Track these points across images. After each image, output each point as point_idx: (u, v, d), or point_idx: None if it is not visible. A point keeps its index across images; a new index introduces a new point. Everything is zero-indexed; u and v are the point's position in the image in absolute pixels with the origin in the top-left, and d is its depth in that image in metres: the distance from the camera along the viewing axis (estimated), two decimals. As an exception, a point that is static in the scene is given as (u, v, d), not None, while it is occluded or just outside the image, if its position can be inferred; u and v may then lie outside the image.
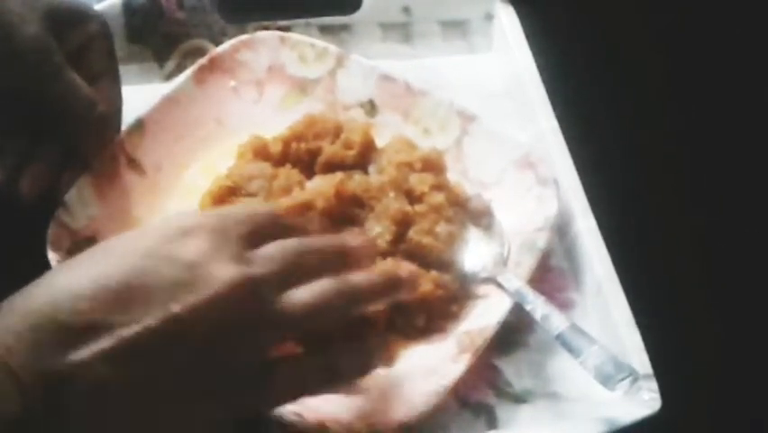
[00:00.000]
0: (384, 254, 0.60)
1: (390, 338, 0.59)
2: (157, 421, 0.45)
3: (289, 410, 0.53)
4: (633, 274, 0.62)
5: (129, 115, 0.66)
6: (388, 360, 0.56)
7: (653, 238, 0.69)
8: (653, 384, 0.56)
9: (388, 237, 0.61)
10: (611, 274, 0.62)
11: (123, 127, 0.66)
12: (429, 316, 0.60)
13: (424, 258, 0.61)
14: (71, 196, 0.62)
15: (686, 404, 0.59)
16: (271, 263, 0.48)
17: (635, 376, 0.56)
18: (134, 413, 0.44)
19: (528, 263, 0.61)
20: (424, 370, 0.57)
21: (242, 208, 0.56)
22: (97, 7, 0.73)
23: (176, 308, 0.44)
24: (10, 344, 0.42)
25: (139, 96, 0.68)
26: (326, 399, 0.55)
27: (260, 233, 0.50)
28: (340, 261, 0.52)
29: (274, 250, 0.49)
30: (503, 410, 0.59)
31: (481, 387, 0.59)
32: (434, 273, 0.61)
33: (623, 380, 0.56)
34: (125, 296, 0.44)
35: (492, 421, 0.58)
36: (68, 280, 0.45)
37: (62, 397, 0.42)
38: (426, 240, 0.61)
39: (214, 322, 0.45)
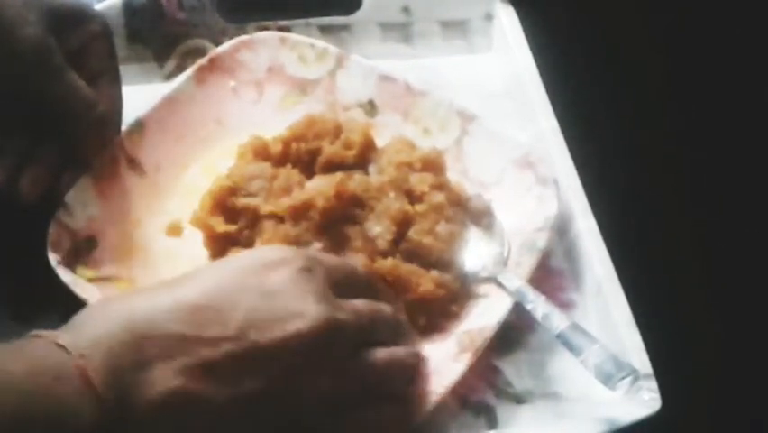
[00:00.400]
0: (384, 254, 0.60)
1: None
2: None
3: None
4: (633, 274, 0.62)
5: (129, 115, 0.66)
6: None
7: (653, 238, 0.69)
8: (653, 384, 0.56)
9: (388, 237, 0.61)
10: (611, 274, 0.62)
11: (124, 127, 0.66)
12: (429, 315, 0.60)
13: (424, 258, 0.61)
14: (71, 196, 0.62)
15: (686, 404, 0.59)
16: (357, 315, 0.49)
17: (635, 375, 0.56)
18: (198, 427, 0.44)
19: (528, 263, 0.61)
20: (424, 369, 0.57)
21: (332, 257, 0.56)
22: (97, 7, 0.73)
23: (255, 335, 0.45)
24: (86, 350, 0.42)
25: (139, 96, 0.68)
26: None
27: (345, 284, 0.51)
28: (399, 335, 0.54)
29: (360, 304, 0.51)
30: (503, 410, 0.59)
31: (482, 387, 0.59)
32: (434, 273, 0.61)
33: (623, 379, 0.55)
34: (200, 315, 0.45)
35: (492, 421, 0.58)
36: (148, 295, 0.46)
37: (133, 406, 0.42)
38: (427, 240, 0.61)
39: (296, 355, 0.46)
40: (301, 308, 0.47)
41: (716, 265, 0.69)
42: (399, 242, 0.61)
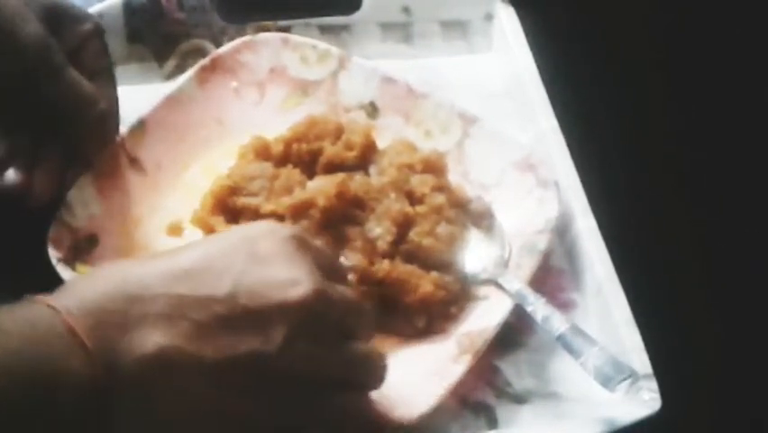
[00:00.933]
0: (384, 255, 0.60)
1: (390, 339, 0.60)
2: (208, 405, 0.45)
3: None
4: (633, 274, 0.62)
5: (129, 115, 0.66)
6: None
7: (653, 238, 0.69)
8: (653, 384, 0.56)
9: (388, 238, 0.61)
10: (611, 274, 0.62)
11: (125, 126, 0.66)
12: (430, 317, 0.60)
13: (424, 259, 0.61)
14: (72, 194, 0.62)
15: (686, 404, 0.59)
16: (343, 298, 0.49)
17: (634, 377, 0.56)
18: (188, 388, 0.44)
19: (529, 265, 0.61)
20: (424, 371, 0.57)
21: (319, 242, 0.55)
22: (97, 7, 0.73)
23: (246, 299, 0.45)
24: (76, 309, 0.42)
25: (139, 95, 0.68)
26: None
27: (329, 270, 0.50)
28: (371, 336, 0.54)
29: (346, 290, 0.51)
30: (503, 411, 0.59)
31: (482, 387, 0.60)
32: (434, 275, 0.61)
33: (623, 381, 0.56)
34: (192, 278, 0.45)
35: (492, 421, 0.58)
36: (141, 262, 0.48)
37: (122, 363, 0.42)
38: (427, 241, 0.61)
39: (287, 322, 0.46)
40: (294, 276, 0.47)
41: (716, 265, 0.69)
42: (400, 243, 0.61)
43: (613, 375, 0.56)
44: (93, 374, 0.41)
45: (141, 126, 0.67)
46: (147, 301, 0.44)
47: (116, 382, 0.42)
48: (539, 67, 0.74)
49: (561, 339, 0.58)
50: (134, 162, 0.66)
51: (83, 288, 0.44)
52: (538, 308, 0.59)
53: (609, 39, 0.78)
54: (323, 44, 0.73)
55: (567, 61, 0.76)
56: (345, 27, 0.79)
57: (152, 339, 0.43)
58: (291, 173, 0.64)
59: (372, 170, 0.65)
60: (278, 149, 0.66)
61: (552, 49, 0.75)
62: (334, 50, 0.73)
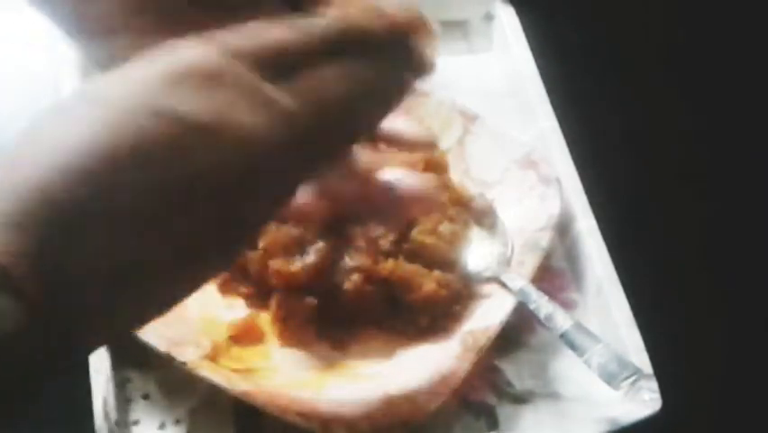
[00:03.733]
0: (387, 254, 0.60)
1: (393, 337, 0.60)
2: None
3: (294, 411, 0.53)
4: (633, 274, 0.62)
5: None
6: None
7: (653, 238, 0.69)
8: (654, 384, 0.57)
9: (391, 238, 0.61)
10: (611, 274, 0.62)
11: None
12: (432, 315, 0.60)
13: (427, 258, 0.61)
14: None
15: (686, 404, 0.59)
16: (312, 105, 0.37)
17: (639, 375, 0.56)
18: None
19: (531, 262, 0.61)
20: (428, 370, 0.57)
21: (250, 32, 0.38)
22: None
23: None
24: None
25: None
26: (330, 399, 0.55)
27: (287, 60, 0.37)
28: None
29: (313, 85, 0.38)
30: (504, 411, 0.59)
31: (482, 387, 0.60)
32: (437, 273, 0.61)
33: (627, 378, 0.56)
34: (121, 164, 0.35)
35: (493, 422, 0.58)
36: (52, 153, 0.36)
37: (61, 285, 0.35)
38: (429, 240, 0.61)
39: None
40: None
41: (716, 265, 0.69)
42: (402, 242, 0.61)
43: (617, 373, 0.56)
44: (31, 318, 0.34)
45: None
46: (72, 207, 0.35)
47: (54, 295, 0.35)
48: (539, 67, 0.74)
49: (564, 337, 0.58)
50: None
51: None
52: (541, 305, 0.59)
53: (609, 38, 0.79)
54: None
55: (567, 61, 0.76)
56: (345, 27, 0.79)
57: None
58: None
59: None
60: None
61: (552, 49, 0.75)
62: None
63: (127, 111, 0.35)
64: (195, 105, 0.35)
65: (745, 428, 0.63)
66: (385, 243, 0.61)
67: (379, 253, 0.60)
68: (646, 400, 0.56)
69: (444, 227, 0.62)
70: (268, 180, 0.37)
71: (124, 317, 0.38)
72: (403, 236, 0.61)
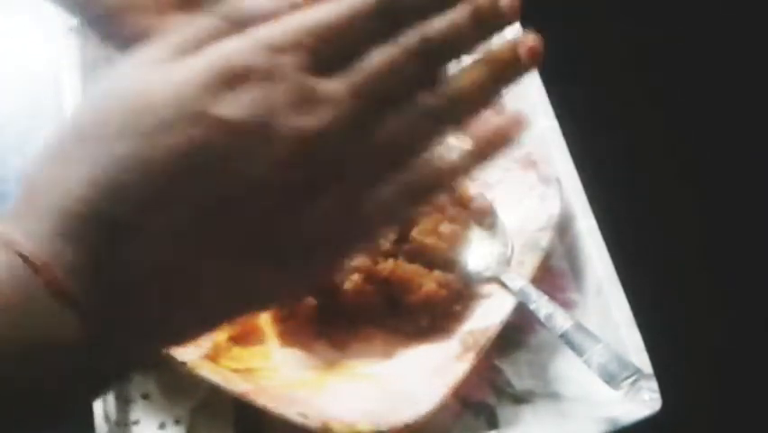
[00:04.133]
0: (387, 255, 0.60)
1: (393, 337, 0.60)
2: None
3: (294, 411, 0.53)
4: (633, 274, 0.62)
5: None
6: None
7: (653, 238, 0.69)
8: (654, 384, 0.57)
9: (391, 237, 0.61)
10: (611, 274, 0.62)
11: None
12: (433, 316, 0.60)
13: (427, 258, 0.61)
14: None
15: (686, 404, 0.59)
16: (352, 101, 0.35)
17: (639, 375, 0.56)
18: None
19: (531, 262, 0.61)
20: (428, 370, 0.57)
21: (287, 24, 0.36)
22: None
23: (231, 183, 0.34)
24: (46, 251, 0.34)
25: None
26: (330, 399, 0.55)
27: (325, 52, 0.35)
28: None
29: (354, 80, 0.35)
30: (504, 411, 0.59)
31: (482, 387, 0.60)
32: (437, 273, 0.61)
33: (627, 378, 0.56)
34: (166, 174, 0.34)
35: (493, 421, 0.58)
36: (96, 167, 0.34)
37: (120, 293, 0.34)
38: (430, 240, 0.61)
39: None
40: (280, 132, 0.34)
41: (716, 265, 0.69)
42: (402, 242, 0.61)
43: (617, 373, 0.56)
44: (90, 334, 0.34)
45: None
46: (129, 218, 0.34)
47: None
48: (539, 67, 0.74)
49: (564, 337, 0.58)
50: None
51: (40, 224, 0.34)
52: (541, 305, 0.59)
53: (609, 38, 0.78)
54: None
55: (567, 61, 0.75)
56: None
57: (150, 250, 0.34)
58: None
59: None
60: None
61: (551, 48, 0.75)
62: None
63: (172, 119, 0.33)
64: (241, 108, 0.33)
65: (745, 428, 0.63)
66: (385, 243, 0.61)
67: (379, 253, 0.60)
68: (646, 400, 0.56)
69: (444, 227, 0.62)
70: (325, 172, 0.35)
71: (180, 330, 0.37)
72: (403, 236, 0.61)
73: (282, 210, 0.35)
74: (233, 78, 0.34)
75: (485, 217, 0.65)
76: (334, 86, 0.35)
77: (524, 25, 0.78)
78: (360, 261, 0.59)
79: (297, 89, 0.34)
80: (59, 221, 0.34)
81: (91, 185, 0.33)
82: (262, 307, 0.39)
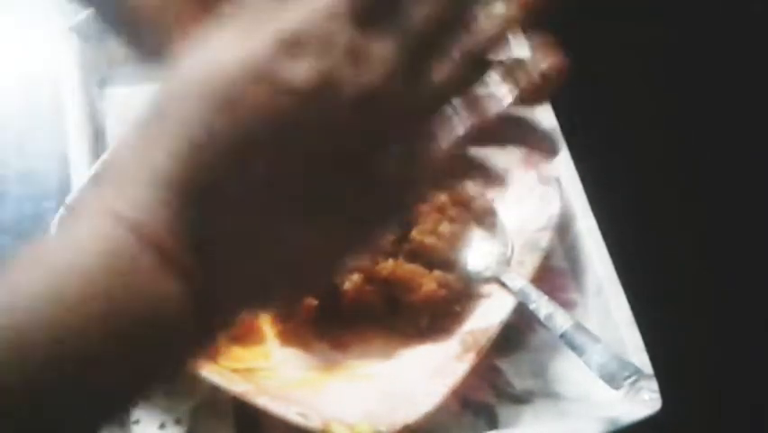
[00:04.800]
0: (387, 254, 0.60)
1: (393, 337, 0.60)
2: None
3: (294, 411, 0.53)
4: (633, 274, 0.62)
5: (130, 116, 0.66)
6: None
7: (653, 238, 0.69)
8: (654, 384, 0.57)
9: (391, 237, 0.61)
10: (611, 274, 0.62)
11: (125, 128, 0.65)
12: (433, 316, 0.60)
13: (427, 258, 0.61)
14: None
15: (686, 404, 0.59)
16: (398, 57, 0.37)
17: (639, 375, 0.56)
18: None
19: (531, 262, 0.61)
20: (428, 370, 0.57)
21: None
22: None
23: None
24: (149, 220, 0.34)
25: (139, 96, 0.68)
26: (330, 399, 0.55)
27: (373, 10, 0.37)
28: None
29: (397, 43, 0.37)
30: (504, 411, 0.59)
31: (482, 387, 0.60)
32: (437, 273, 0.61)
33: (627, 378, 0.56)
34: (251, 138, 0.35)
35: (493, 421, 0.58)
36: (179, 140, 0.35)
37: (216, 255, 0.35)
38: (430, 240, 0.61)
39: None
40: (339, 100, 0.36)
41: (716, 265, 0.69)
42: (402, 242, 0.61)
43: (617, 373, 0.56)
44: (198, 303, 0.35)
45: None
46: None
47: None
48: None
49: (564, 337, 0.58)
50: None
51: (137, 190, 0.35)
52: (541, 305, 0.59)
53: (608, 38, 0.78)
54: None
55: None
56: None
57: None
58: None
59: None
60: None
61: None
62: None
63: (243, 87, 0.35)
64: (305, 72, 0.35)
65: (745, 428, 0.63)
66: (385, 243, 0.61)
67: (379, 253, 0.60)
68: (646, 400, 0.56)
69: (444, 227, 0.62)
70: (387, 124, 0.37)
71: (270, 292, 0.38)
72: (403, 236, 0.61)
73: (354, 165, 0.37)
74: (293, 45, 0.35)
75: (485, 217, 0.65)
76: (384, 41, 0.37)
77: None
78: (360, 261, 0.59)
79: (352, 49, 0.36)
80: (154, 192, 0.35)
81: (176, 158, 0.35)
82: (341, 262, 0.40)
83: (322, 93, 0.35)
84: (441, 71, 0.38)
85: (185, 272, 0.34)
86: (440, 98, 0.39)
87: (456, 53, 0.39)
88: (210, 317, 0.36)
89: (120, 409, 0.38)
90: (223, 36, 0.37)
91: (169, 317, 0.34)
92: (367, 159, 0.37)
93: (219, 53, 0.36)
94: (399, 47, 0.37)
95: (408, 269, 0.60)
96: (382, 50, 0.37)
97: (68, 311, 0.33)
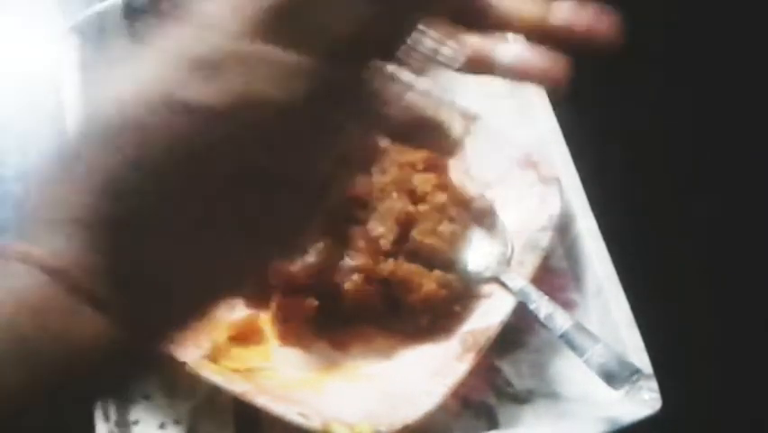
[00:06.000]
0: (387, 255, 0.60)
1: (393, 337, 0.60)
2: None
3: (294, 411, 0.53)
4: (633, 274, 0.62)
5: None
6: None
7: (653, 238, 0.69)
8: (654, 384, 0.57)
9: (391, 237, 0.61)
10: (611, 274, 0.62)
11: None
12: (433, 316, 0.60)
13: (427, 258, 0.61)
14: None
15: (686, 404, 0.59)
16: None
17: (639, 375, 0.56)
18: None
19: (531, 263, 0.61)
20: (428, 370, 0.57)
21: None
22: (97, 7, 0.73)
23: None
24: (64, 260, 0.34)
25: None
26: (330, 399, 0.55)
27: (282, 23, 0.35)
28: None
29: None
30: (504, 411, 0.59)
31: (482, 387, 0.60)
32: (437, 273, 0.61)
33: (627, 378, 0.56)
34: (164, 165, 0.35)
35: (493, 422, 0.59)
36: (91, 175, 0.35)
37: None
38: (429, 240, 0.61)
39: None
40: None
41: (716, 265, 0.69)
42: (402, 242, 0.61)
43: (618, 373, 0.56)
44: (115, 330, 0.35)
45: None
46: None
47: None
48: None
49: (564, 337, 0.58)
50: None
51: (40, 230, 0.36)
52: (541, 305, 0.59)
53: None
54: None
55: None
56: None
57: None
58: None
59: (374, 169, 0.65)
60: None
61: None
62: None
63: (141, 114, 0.33)
64: (214, 92, 0.33)
65: (745, 428, 0.63)
66: (385, 243, 0.61)
67: (379, 253, 0.60)
68: (646, 400, 0.56)
69: (444, 227, 0.62)
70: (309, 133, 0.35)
71: (194, 305, 0.38)
72: (403, 236, 0.61)
73: (266, 178, 0.35)
74: (199, 67, 0.34)
75: (485, 217, 0.65)
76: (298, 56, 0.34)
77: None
78: (360, 260, 0.59)
79: (270, 67, 0.34)
80: (67, 232, 0.35)
81: (89, 193, 0.34)
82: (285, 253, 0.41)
83: (229, 115, 0.34)
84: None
85: (99, 303, 0.34)
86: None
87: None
88: (137, 339, 0.35)
89: None
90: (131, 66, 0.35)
91: (85, 349, 0.34)
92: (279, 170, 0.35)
93: (119, 83, 0.35)
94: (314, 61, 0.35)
95: (408, 269, 0.60)
96: (298, 64, 0.34)
97: None
